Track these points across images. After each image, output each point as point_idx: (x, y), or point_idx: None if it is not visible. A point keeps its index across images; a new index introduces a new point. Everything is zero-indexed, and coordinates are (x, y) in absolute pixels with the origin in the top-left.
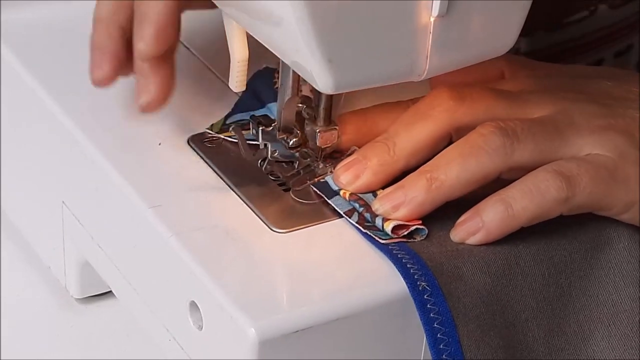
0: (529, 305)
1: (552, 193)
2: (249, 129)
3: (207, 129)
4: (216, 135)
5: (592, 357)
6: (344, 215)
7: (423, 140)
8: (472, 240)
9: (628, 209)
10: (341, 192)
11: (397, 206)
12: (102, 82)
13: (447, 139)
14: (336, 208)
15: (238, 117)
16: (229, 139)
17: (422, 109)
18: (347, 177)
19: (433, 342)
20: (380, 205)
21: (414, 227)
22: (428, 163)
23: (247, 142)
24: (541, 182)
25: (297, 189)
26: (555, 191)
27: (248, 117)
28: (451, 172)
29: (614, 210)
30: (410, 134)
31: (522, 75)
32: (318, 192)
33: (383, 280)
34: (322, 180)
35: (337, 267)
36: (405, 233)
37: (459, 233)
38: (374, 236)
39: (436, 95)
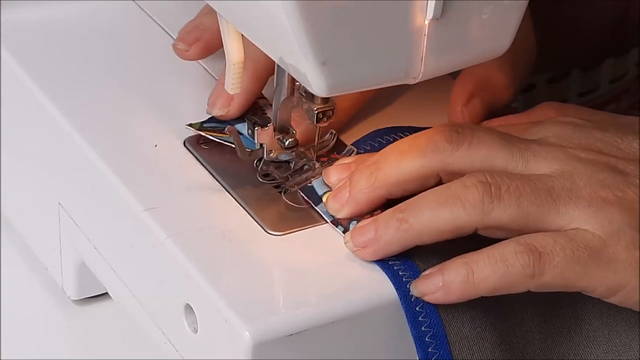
0: (522, 293)
1: (517, 268)
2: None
3: (187, 125)
4: (198, 132)
5: (587, 336)
6: (329, 223)
7: (408, 174)
8: (430, 298)
9: (614, 292)
10: (324, 200)
11: (365, 244)
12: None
13: (436, 178)
14: (323, 215)
15: (213, 124)
16: (214, 138)
17: (418, 142)
18: (334, 206)
19: (424, 357)
20: (351, 239)
21: None
22: (406, 202)
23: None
24: (509, 254)
25: (293, 189)
26: (521, 266)
27: (222, 125)
28: (422, 217)
29: (596, 293)
30: (398, 164)
31: (554, 120)
32: (305, 197)
33: (379, 283)
34: (309, 184)
35: (333, 270)
36: None
37: (419, 287)
38: None
39: (436, 132)
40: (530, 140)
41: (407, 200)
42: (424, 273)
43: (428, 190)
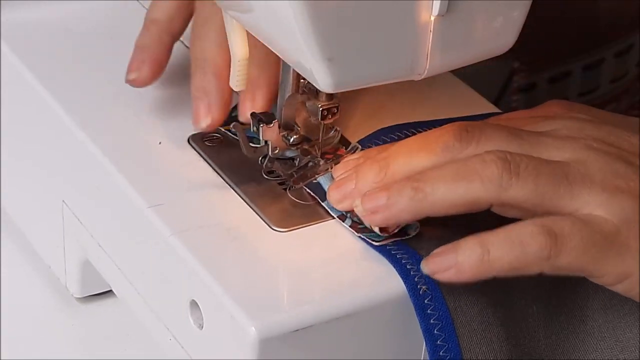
0: (528, 288)
1: (534, 248)
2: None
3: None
4: (219, 128)
5: (592, 332)
6: (336, 218)
7: (417, 171)
8: (442, 276)
9: (620, 280)
10: None
11: (376, 210)
12: (137, 83)
13: None
14: (329, 211)
15: None
16: (230, 133)
17: (427, 141)
18: (336, 196)
19: (433, 349)
20: (361, 203)
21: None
22: (422, 172)
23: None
24: (525, 234)
25: (297, 186)
26: (538, 247)
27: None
28: (439, 188)
29: (604, 279)
30: (408, 162)
31: (564, 115)
32: (311, 193)
33: (384, 278)
34: (314, 181)
35: (338, 266)
36: (396, 230)
37: (430, 265)
38: (367, 239)
39: (446, 130)
40: (541, 132)
41: (423, 171)
42: (435, 251)
43: (445, 164)
